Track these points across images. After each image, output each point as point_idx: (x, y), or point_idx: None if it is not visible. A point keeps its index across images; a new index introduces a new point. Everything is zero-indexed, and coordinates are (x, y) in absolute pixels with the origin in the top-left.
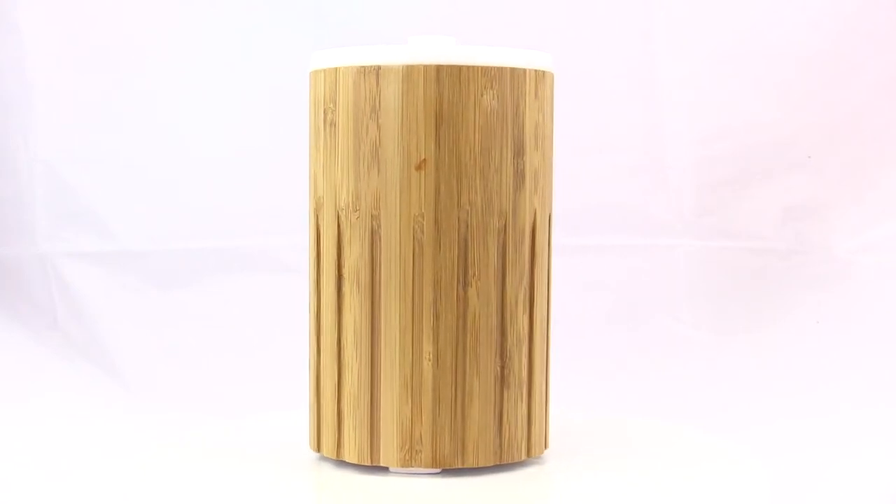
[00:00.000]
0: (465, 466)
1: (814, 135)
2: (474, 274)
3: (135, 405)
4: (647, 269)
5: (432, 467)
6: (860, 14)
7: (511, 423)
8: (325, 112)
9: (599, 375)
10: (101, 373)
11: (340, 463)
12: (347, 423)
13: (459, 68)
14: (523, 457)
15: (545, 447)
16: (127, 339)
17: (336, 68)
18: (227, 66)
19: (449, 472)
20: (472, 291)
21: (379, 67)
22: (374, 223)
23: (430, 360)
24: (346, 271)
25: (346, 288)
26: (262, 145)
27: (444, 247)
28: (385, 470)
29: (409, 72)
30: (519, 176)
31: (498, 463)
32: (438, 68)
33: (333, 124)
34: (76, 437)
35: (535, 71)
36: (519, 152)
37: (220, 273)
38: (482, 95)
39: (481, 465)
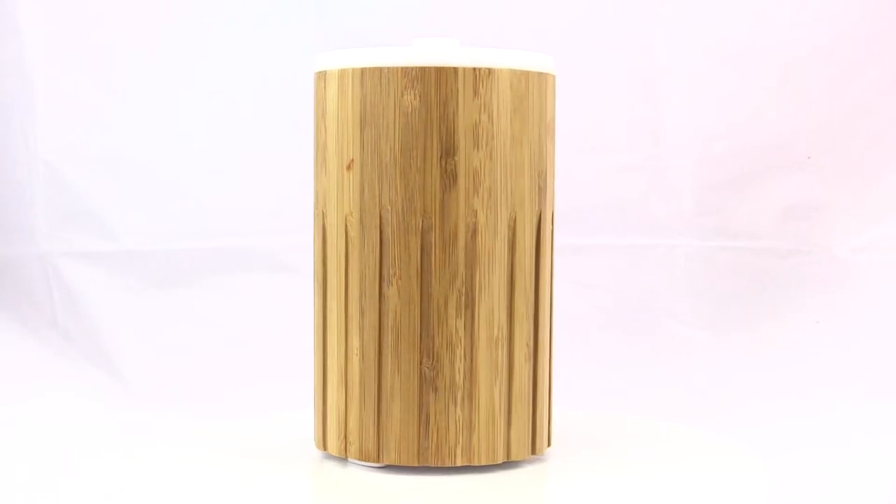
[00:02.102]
0: (387, 463)
1: (814, 135)
2: (395, 273)
3: (135, 405)
4: (647, 269)
5: (360, 460)
6: (860, 14)
7: (442, 426)
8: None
9: (599, 375)
10: (101, 373)
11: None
12: (315, 411)
13: (380, 70)
14: (458, 462)
15: (506, 456)
16: (127, 339)
17: (314, 73)
18: (229, 66)
19: (449, 470)
20: (392, 290)
21: (325, 72)
22: (324, 221)
23: (357, 355)
24: (314, 267)
25: (314, 283)
26: (262, 145)
27: (367, 245)
28: (388, 468)
29: (341, 76)
30: (448, 176)
31: (424, 464)
32: (363, 71)
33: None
34: (76, 437)
35: (475, 69)
36: (448, 152)
37: (220, 273)
38: (402, 96)
39: (404, 464)
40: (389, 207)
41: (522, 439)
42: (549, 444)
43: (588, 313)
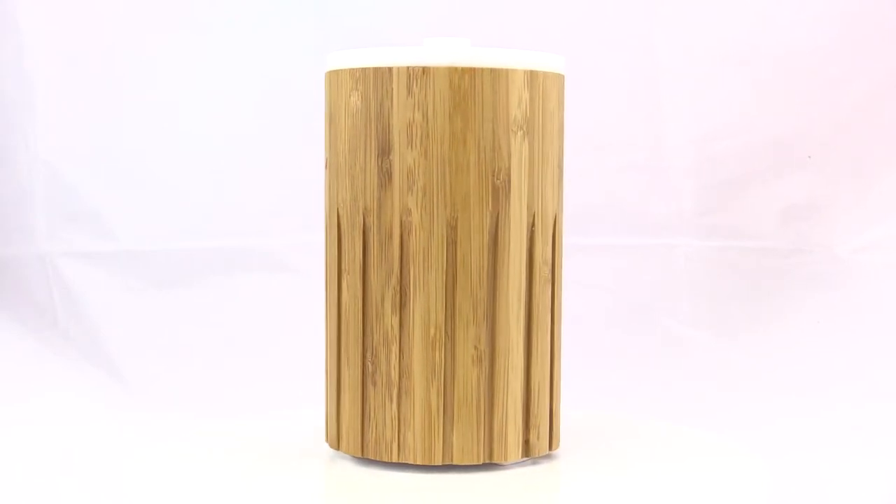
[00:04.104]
0: (341, 451)
1: (814, 134)
2: (346, 268)
3: (135, 405)
4: (647, 269)
5: (331, 447)
6: (861, 13)
7: (379, 421)
8: None
9: (599, 375)
10: (101, 373)
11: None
12: None
13: (338, 72)
14: (394, 458)
15: (448, 459)
16: (127, 339)
17: None
18: (229, 66)
19: (452, 468)
20: (344, 284)
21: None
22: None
23: (329, 345)
24: None
25: None
26: (262, 145)
27: (331, 241)
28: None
29: (325, 78)
30: (384, 175)
31: (366, 457)
32: (330, 74)
33: None
34: (76, 437)
35: (409, 69)
36: (384, 151)
37: (220, 273)
38: (350, 97)
39: (352, 454)
40: (342, 205)
41: (469, 444)
42: (525, 454)
43: (588, 313)
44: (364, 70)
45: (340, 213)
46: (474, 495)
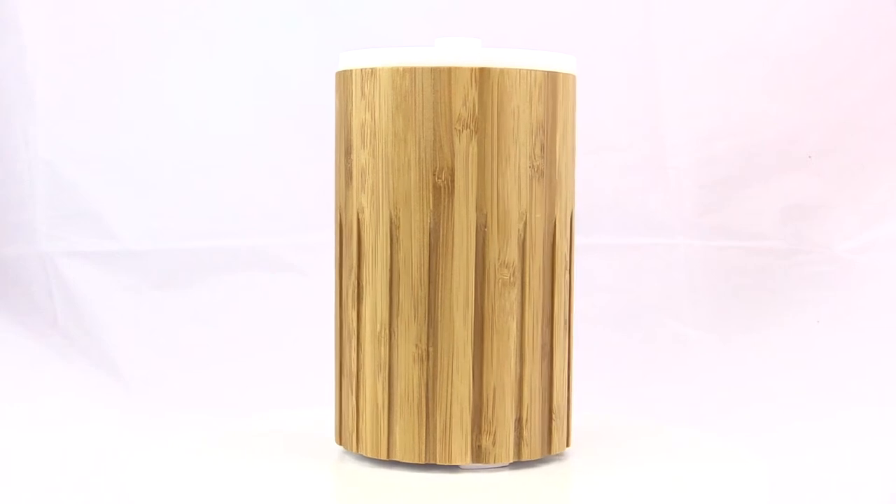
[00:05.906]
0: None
1: (814, 134)
2: (334, 263)
3: (135, 405)
4: (647, 269)
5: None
6: (860, 14)
7: (344, 410)
8: None
9: (598, 376)
10: (101, 373)
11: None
12: None
13: (335, 74)
14: (354, 449)
15: (392, 455)
16: (127, 339)
17: None
18: (229, 66)
19: (454, 468)
20: (332, 280)
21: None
22: None
23: None
24: None
25: None
26: (263, 144)
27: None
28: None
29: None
30: (348, 174)
31: (339, 444)
32: (336, 75)
33: None
34: (76, 438)
35: (361, 70)
36: (348, 151)
37: (220, 273)
38: (334, 99)
39: (335, 442)
40: (335, 202)
41: (410, 441)
42: (476, 459)
43: (587, 313)
44: (339, 73)
45: (335, 211)
46: (472, 495)
